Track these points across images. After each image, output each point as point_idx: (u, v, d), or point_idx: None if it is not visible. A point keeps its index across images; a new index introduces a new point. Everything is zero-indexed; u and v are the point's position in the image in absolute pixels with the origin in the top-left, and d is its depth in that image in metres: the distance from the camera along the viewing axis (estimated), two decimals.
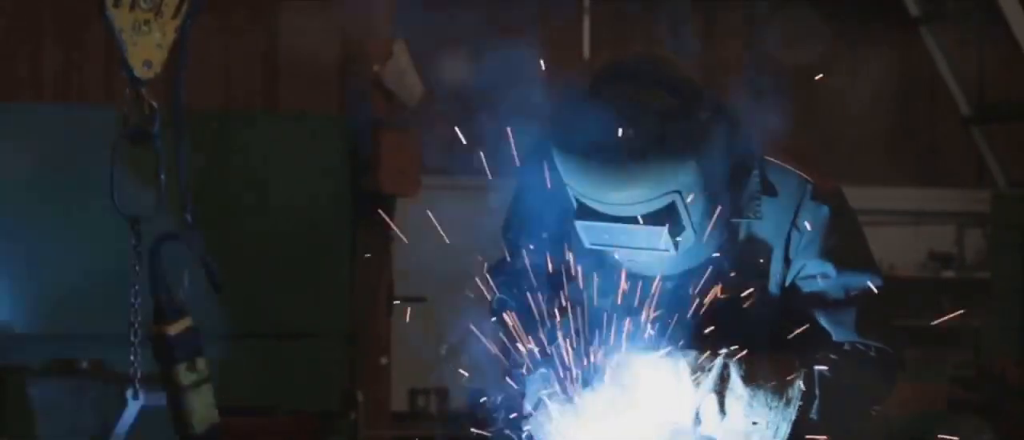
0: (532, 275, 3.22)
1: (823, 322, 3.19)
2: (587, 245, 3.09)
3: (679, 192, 3.00)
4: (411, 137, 8.51)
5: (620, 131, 2.95)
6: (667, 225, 3.02)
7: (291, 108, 10.11)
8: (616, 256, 3.14)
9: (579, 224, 3.06)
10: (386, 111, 8.65)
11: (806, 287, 3.20)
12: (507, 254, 3.32)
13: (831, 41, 11.46)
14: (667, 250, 3.05)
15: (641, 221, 3.01)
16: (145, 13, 3.24)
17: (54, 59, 10.01)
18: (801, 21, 11.24)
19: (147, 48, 3.25)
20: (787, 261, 3.20)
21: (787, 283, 3.21)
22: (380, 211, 8.50)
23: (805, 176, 3.20)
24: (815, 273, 3.18)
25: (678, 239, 3.04)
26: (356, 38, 8.75)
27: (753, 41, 11.58)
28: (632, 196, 2.98)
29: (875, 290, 3.18)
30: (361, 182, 8.47)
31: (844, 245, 3.20)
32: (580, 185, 3.02)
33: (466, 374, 3.24)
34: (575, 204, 3.07)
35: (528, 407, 3.16)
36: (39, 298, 7.77)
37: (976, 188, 11.64)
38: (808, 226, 3.18)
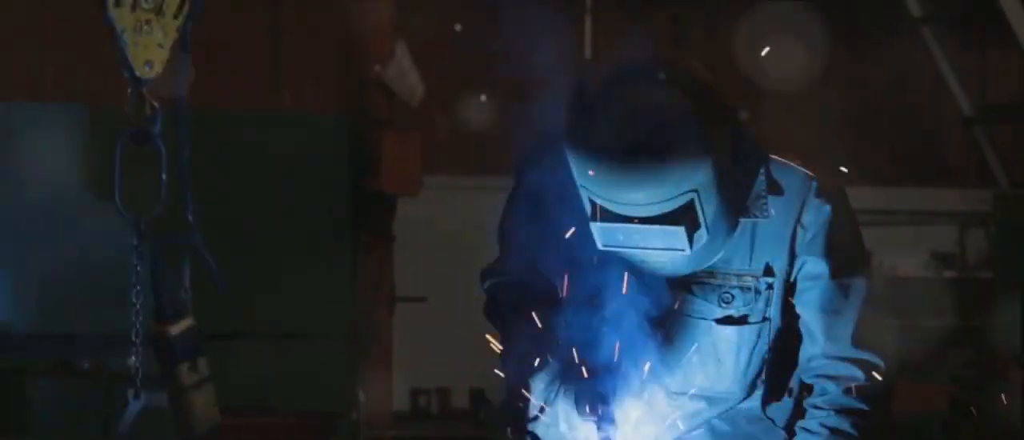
0: (527, 275, 3.22)
1: (817, 331, 3.20)
2: (601, 246, 3.07)
3: (696, 191, 2.99)
4: (412, 137, 8.50)
5: (640, 132, 2.94)
6: (684, 224, 3.01)
7: (291, 108, 10.10)
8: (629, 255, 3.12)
9: (594, 225, 3.05)
10: (387, 111, 8.64)
11: (804, 289, 3.21)
12: (501, 254, 3.31)
13: (832, 41, 11.45)
14: (683, 250, 3.04)
15: (659, 221, 3.01)
16: (147, 13, 3.23)
17: (54, 59, 10.00)
18: (802, 21, 11.22)
19: (148, 48, 3.24)
20: (793, 257, 3.21)
21: (791, 279, 3.22)
22: (381, 211, 8.49)
23: (810, 173, 3.21)
24: (814, 273, 3.20)
25: (694, 238, 3.04)
26: (357, 37, 8.74)
27: (753, 41, 11.56)
28: (652, 196, 2.97)
29: (870, 296, 3.21)
30: (362, 182, 8.46)
31: (843, 247, 3.22)
32: (598, 186, 3.00)
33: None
34: (588, 205, 3.05)
35: (534, 409, 3.16)
36: (39, 298, 7.75)
37: (978, 188, 11.63)
38: (811, 223, 3.19)
